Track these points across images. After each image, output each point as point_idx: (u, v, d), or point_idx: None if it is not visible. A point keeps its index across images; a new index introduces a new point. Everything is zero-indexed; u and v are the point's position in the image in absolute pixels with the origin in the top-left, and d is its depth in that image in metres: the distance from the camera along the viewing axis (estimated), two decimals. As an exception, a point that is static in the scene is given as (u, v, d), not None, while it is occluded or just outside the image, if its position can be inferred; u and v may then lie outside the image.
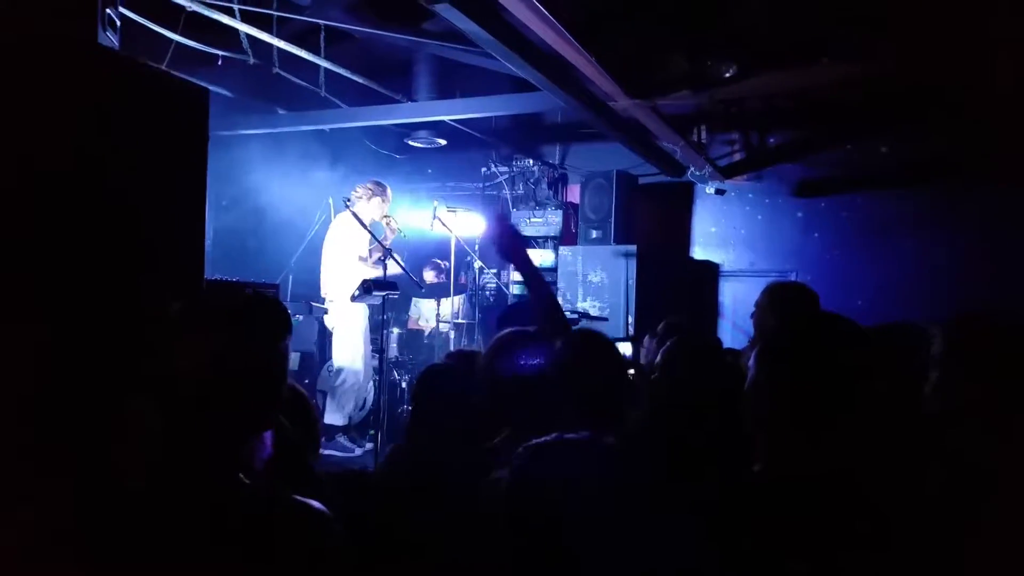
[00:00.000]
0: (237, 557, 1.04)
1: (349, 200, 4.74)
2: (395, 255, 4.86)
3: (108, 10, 2.04)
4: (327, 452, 4.76)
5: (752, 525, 1.30)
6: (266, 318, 1.21)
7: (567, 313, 5.50)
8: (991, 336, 1.93)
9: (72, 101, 1.72)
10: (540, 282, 2.35)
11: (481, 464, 1.66)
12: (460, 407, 1.77)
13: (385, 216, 5.17)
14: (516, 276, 6.71)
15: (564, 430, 1.65)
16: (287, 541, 1.07)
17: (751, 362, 1.52)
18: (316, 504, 1.12)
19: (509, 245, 2.32)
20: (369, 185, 5.18)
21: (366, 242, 5.06)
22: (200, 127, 2.16)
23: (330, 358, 5.93)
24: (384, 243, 4.93)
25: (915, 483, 1.55)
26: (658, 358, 2.32)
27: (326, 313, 5.21)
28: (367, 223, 4.98)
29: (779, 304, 2.75)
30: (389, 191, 5.24)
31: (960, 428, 1.79)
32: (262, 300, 1.25)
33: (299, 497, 1.13)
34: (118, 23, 2.15)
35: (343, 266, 5.02)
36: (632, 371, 2.93)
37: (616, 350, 2.01)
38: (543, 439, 1.02)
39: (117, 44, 2.14)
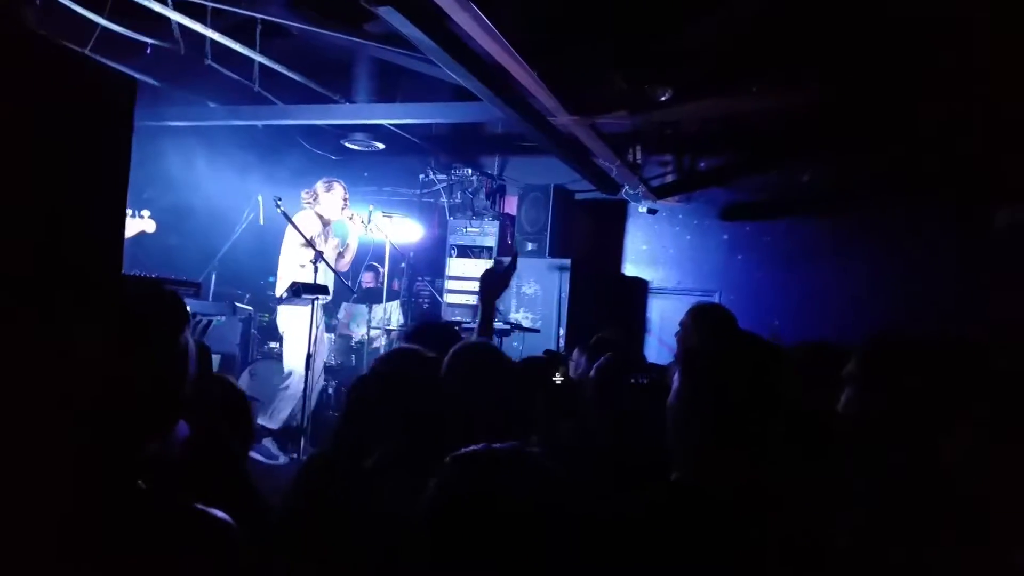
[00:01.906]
0: (132, 568, 0.99)
1: (280, 200, 4.61)
2: (325, 258, 4.77)
3: (28, -12, 1.93)
4: (251, 455, 4.59)
5: (670, 532, 1.32)
6: (159, 314, 1.16)
7: (500, 324, 5.52)
8: (902, 356, 2.02)
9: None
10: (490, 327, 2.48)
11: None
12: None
13: (345, 211, 5.15)
14: (451, 285, 6.68)
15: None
16: (184, 551, 1.02)
17: (675, 377, 1.55)
18: (219, 513, 1.08)
19: (499, 292, 2.46)
20: (317, 186, 5.14)
21: (320, 246, 5.01)
22: (125, 119, 2.05)
23: (252, 361, 5.76)
24: (315, 244, 4.83)
25: (827, 496, 1.61)
26: (591, 372, 2.35)
27: (249, 316, 5.07)
28: (329, 222, 5.03)
29: (701, 323, 2.84)
30: (339, 186, 5.18)
31: (871, 442, 1.87)
32: (153, 295, 1.20)
33: (200, 506, 1.08)
34: (38, 1, 2.04)
35: (290, 268, 4.93)
36: (560, 378, 2.96)
37: (501, 364, 2.04)
38: (470, 448, 1.01)
39: (34, 22, 2.03)
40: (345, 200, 5.19)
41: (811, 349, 2.33)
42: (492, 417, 1.93)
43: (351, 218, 5.20)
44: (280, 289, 4.93)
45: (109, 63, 2.00)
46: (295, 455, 4.61)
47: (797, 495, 1.47)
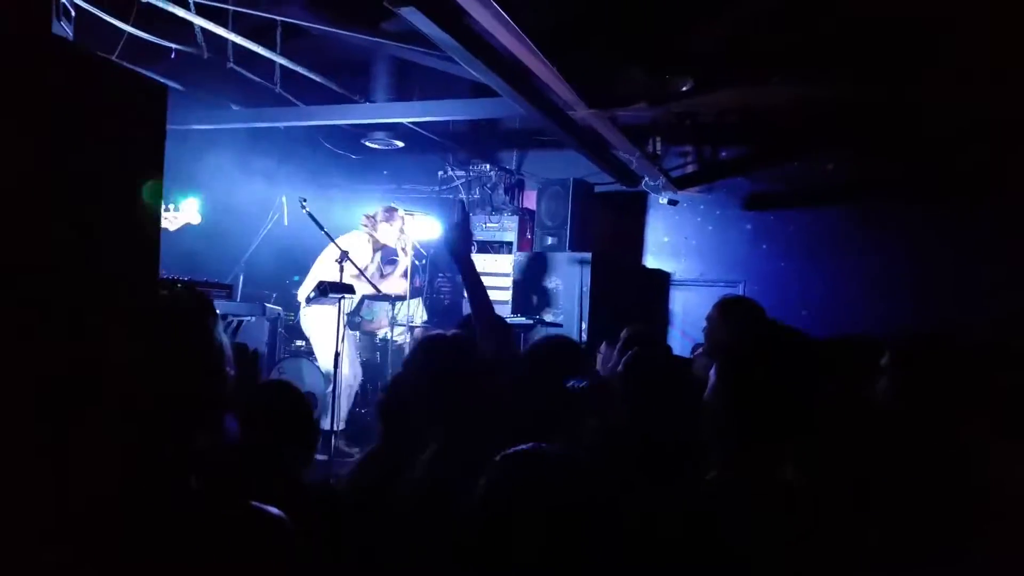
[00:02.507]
0: (190, 566, 1.01)
1: (304, 201, 4.66)
2: (351, 258, 4.82)
3: None
4: (323, 457, 4.66)
5: (709, 530, 1.33)
6: (184, 307, 1.18)
7: (523, 320, 5.53)
8: (937, 349, 2.02)
9: (25, 95, 1.65)
10: (481, 288, 2.39)
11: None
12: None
13: (400, 239, 5.35)
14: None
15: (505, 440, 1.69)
16: (240, 548, 1.04)
17: (712, 374, 1.56)
18: (273, 510, 1.10)
19: (463, 247, 2.36)
20: (378, 212, 5.32)
21: (364, 264, 5.13)
22: (158, 124, 2.09)
23: (280, 360, 5.83)
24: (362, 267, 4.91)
25: (868, 488, 1.61)
26: (620, 367, 2.35)
27: (278, 316, 5.14)
28: (381, 247, 5.28)
29: (729, 317, 2.82)
30: (399, 215, 5.35)
31: (908, 434, 1.87)
32: (181, 294, 1.22)
33: (256, 503, 1.10)
34: (72, 13, 2.07)
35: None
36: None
37: (579, 356, 2.04)
38: (520, 448, 1.02)
39: (71, 34, 2.07)
40: (403, 230, 5.34)
41: (848, 341, 2.33)
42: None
43: (404, 249, 5.33)
44: (303, 292, 5.01)
45: (137, 69, 2.03)
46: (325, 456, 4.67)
47: (833, 489, 1.47)
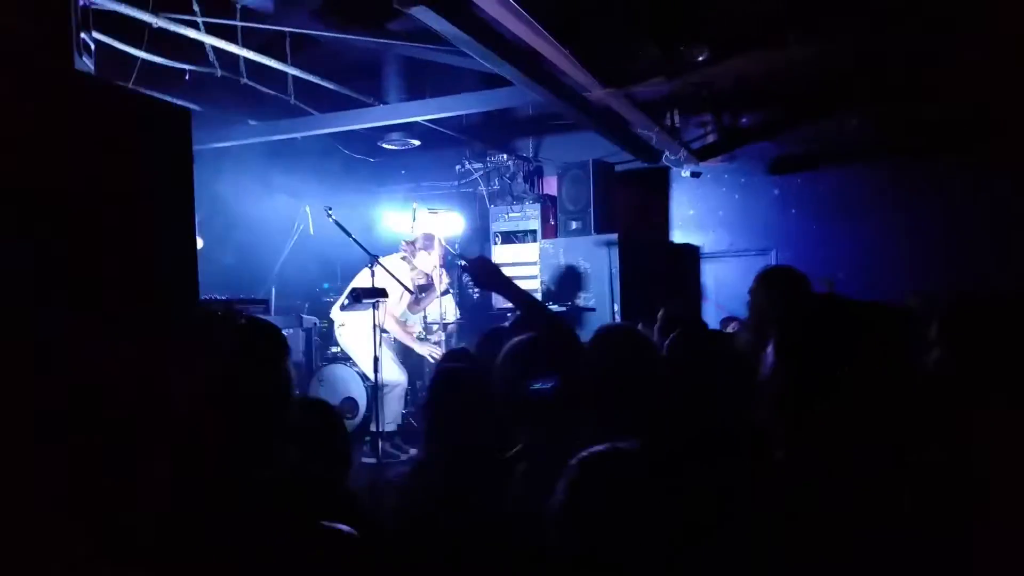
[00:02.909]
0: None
1: (330, 209, 4.68)
2: (380, 261, 4.85)
3: (83, 35, 1.98)
4: (369, 461, 4.74)
5: (786, 514, 1.31)
6: (266, 343, 1.20)
7: (556, 308, 5.52)
8: (986, 312, 1.96)
9: (55, 131, 1.67)
10: (532, 301, 2.39)
11: (502, 475, 1.65)
12: (477, 416, 1.75)
13: (437, 268, 5.40)
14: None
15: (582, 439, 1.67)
16: (316, 566, 1.05)
17: (769, 352, 1.53)
18: (344, 527, 1.11)
19: (485, 278, 2.34)
20: (417, 240, 5.38)
21: (398, 292, 5.19)
22: (184, 148, 2.11)
23: (318, 368, 5.89)
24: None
25: (936, 466, 1.57)
26: (663, 351, 2.32)
27: (313, 326, 5.20)
28: (419, 271, 5.36)
29: (773, 289, 2.77)
30: (438, 244, 5.41)
31: (965, 403, 1.82)
32: (259, 325, 1.24)
33: (326, 522, 1.11)
34: (92, 47, 2.09)
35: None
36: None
37: (652, 346, 2.01)
38: (596, 449, 1.01)
39: (93, 69, 2.09)
40: (441, 257, 5.41)
41: (892, 308, 2.28)
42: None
43: (441, 278, 5.43)
44: (345, 316, 5.10)
45: (156, 95, 2.05)
46: (414, 450, 4.75)
47: (893, 465, 1.43)
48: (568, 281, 6.15)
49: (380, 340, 4.64)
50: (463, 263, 2.38)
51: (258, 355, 1.15)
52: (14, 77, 1.60)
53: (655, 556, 0.94)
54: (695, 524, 0.97)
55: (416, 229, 5.62)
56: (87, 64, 1.96)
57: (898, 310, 2.34)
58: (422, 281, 5.48)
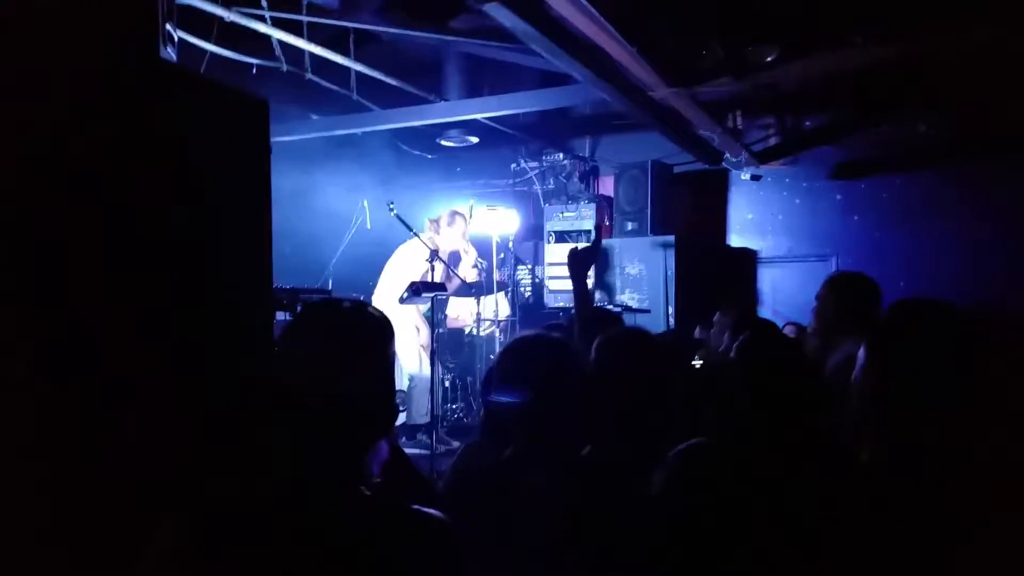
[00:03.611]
0: (365, 570, 1.03)
1: (392, 204, 4.73)
2: (440, 256, 4.88)
3: (168, 25, 2.03)
4: (412, 451, 4.82)
5: (875, 514, 1.27)
6: (372, 328, 1.20)
7: (609, 307, 5.47)
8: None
9: (142, 119, 1.71)
10: (587, 292, 2.49)
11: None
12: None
13: (462, 242, 5.41)
14: (552, 272, 6.67)
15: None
16: (411, 552, 1.06)
17: (860, 354, 1.48)
18: (436, 513, 1.11)
19: (577, 265, 2.46)
20: (445, 215, 5.39)
21: (420, 274, 5.20)
22: (263, 138, 2.15)
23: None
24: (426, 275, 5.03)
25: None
26: (732, 352, 2.27)
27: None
28: (447, 249, 5.29)
29: (845, 295, 2.69)
30: (461, 220, 5.41)
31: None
32: (363, 311, 1.24)
33: (418, 507, 1.12)
34: (176, 38, 2.14)
35: (393, 290, 5.12)
36: (699, 361, 2.89)
37: (652, 351, 1.99)
38: (693, 442, 1.00)
39: (175, 58, 2.14)
40: (464, 233, 5.40)
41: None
42: (638, 405, 1.90)
43: (466, 251, 5.38)
44: (381, 305, 5.10)
45: (243, 89, 2.09)
46: (457, 443, 4.81)
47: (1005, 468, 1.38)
48: (622, 282, 6.09)
49: (421, 333, 4.71)
50: (593, 238, 2.66)
51: (364, 337, 1.16)
52: (102, 66, 1.65)
53: (745, 548, 0.91)
54: (780, 520, 0.95)
55: (472, 225, 5.64)
56: (170, 54, 2.01)
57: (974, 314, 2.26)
58: (444, 259, 5.37)
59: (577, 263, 2.52)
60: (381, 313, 1.22)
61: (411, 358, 5.10)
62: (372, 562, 1.01)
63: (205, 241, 1.85)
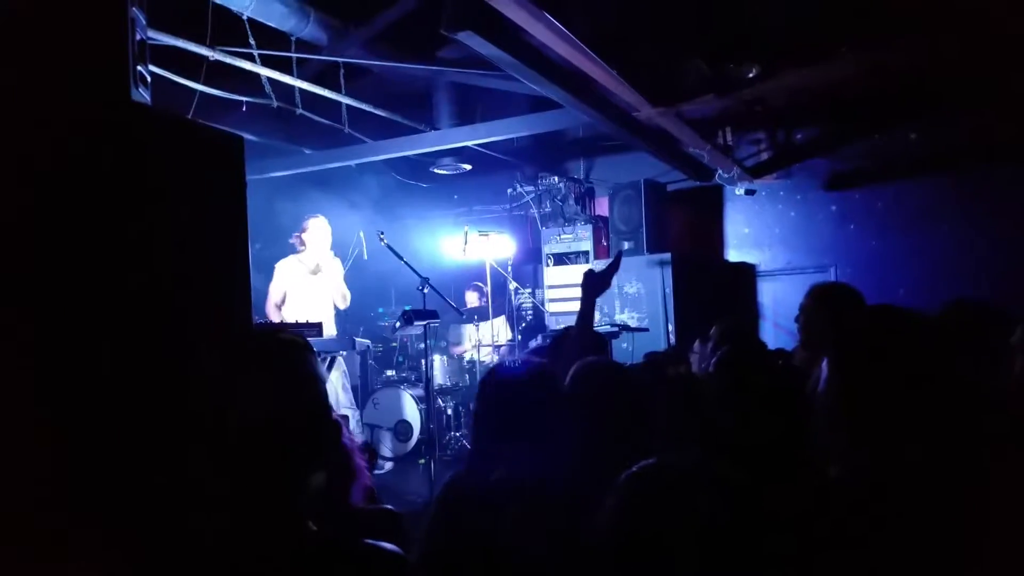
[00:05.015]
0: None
1: (383, 234, 4.76)
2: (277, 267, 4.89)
3: (139, 67, 2.07)
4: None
5: (844, 531, 1.25)
6: (297, 355, 1.19)
7: (607, 327, 5.46)
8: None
9: (112, 161, 1.74)
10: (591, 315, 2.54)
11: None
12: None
13: (325, 248, 5.24)
14: (551, 295, 6.67)
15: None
16: None
17: (823, 368, 1.47)
18: (389, 546, 1.10)
19: (592, 288, 2.50)
20: (305, 225, 5.26)
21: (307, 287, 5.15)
22: (238, 175, 2.17)
23: (374, 391, 5.95)
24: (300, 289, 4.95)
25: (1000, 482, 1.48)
26: (711, 367, 2.26)
27: (367, 349, 5.22)
28: (319, 259, 5.14)
29: (825, 305, 2.66)
30: (309, 223, 5.24)
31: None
32: (291, 338, 1.23)
33: (370, 541, 1.10)
34: (149, 79, 2.18)
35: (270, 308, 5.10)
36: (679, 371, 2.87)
37: (616, 378, 2.00)
38: (645, 463, 0.99)
39: (149, 100, 2.18)
40: (326, 236, 5.19)
41: (969, 309, 2.21)
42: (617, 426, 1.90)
43: (334, 256, 5.22)
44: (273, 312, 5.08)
45: (217, 126, 2.12)
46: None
47: (961, 479, 1.35)
48: (620, 301, 6.08)
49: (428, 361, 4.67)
50: (611, 262, 2.63)
51: (276, 361, 1.15)
52: (71, 107, 1.68)
53: (703, 570, 0.90)
54: (747, 539, 0.93)
55: (468, 252, 5.65)
56: (143, 95, 2.05)
57: (975, 312, 2.25)
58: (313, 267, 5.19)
59: (592, 286, 2.52)
60: (291, 335, 1.21)
61: (334, 391, 4.89)
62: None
63: (180, 279, 1.87)
